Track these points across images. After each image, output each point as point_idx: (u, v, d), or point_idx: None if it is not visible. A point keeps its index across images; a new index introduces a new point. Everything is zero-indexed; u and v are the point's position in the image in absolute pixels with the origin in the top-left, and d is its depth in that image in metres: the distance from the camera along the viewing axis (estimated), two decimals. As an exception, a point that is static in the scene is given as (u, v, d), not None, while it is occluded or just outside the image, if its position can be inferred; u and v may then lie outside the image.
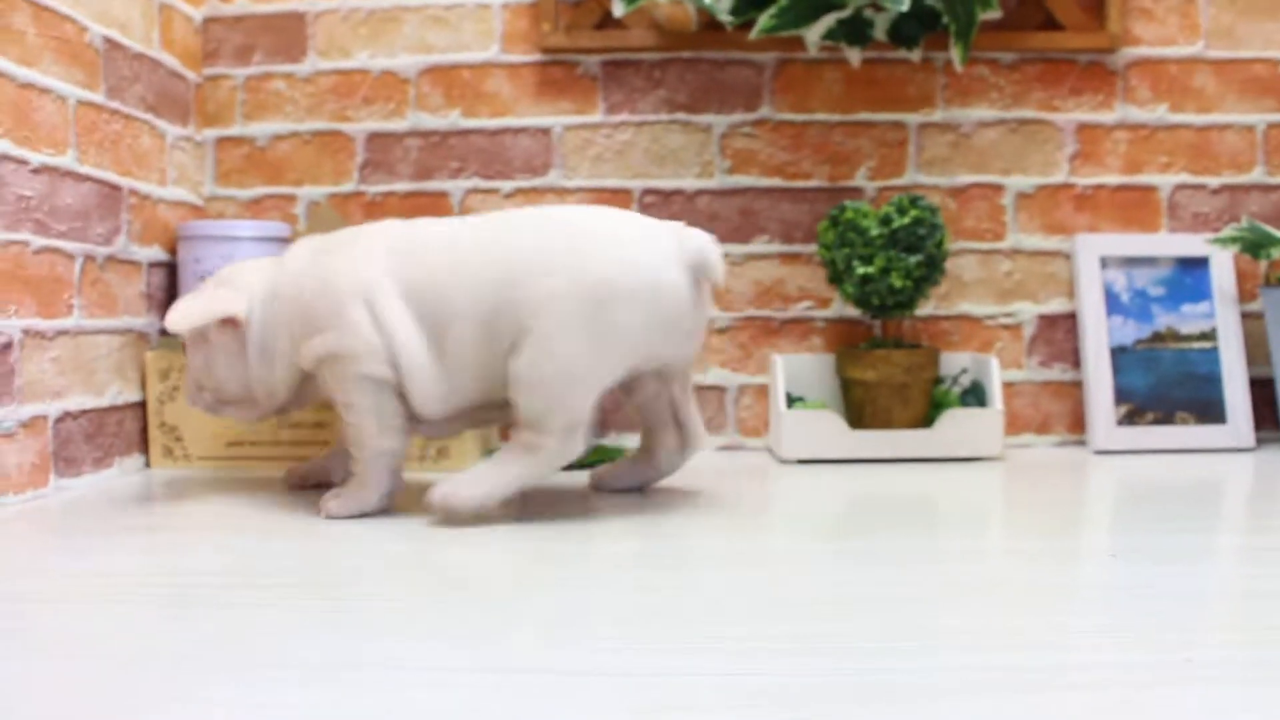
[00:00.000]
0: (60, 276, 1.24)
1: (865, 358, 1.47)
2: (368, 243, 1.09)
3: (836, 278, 1.48)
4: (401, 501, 1.15)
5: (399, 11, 1.60)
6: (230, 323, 1.11)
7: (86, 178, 1.30)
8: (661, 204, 1.58)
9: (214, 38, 1.62)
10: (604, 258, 1.02)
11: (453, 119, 1.59)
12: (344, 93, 1.61)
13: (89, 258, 1.30)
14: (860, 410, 1.49)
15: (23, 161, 1.18)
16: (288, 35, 1.61)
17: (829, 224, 1.48)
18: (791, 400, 1.55)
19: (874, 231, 1.44)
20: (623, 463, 1.23)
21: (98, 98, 1.33)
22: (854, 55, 1.53)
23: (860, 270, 1.44)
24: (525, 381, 1.02)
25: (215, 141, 1.62)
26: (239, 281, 1.13)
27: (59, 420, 1.23)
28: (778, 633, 0.66)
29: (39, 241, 1.21)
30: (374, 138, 1.60)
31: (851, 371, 1.48)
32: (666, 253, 1.05)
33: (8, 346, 1.15)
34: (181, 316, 1.09)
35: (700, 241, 1.07)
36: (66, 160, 1.26)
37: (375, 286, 1.06)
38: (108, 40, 1.36)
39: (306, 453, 1.40)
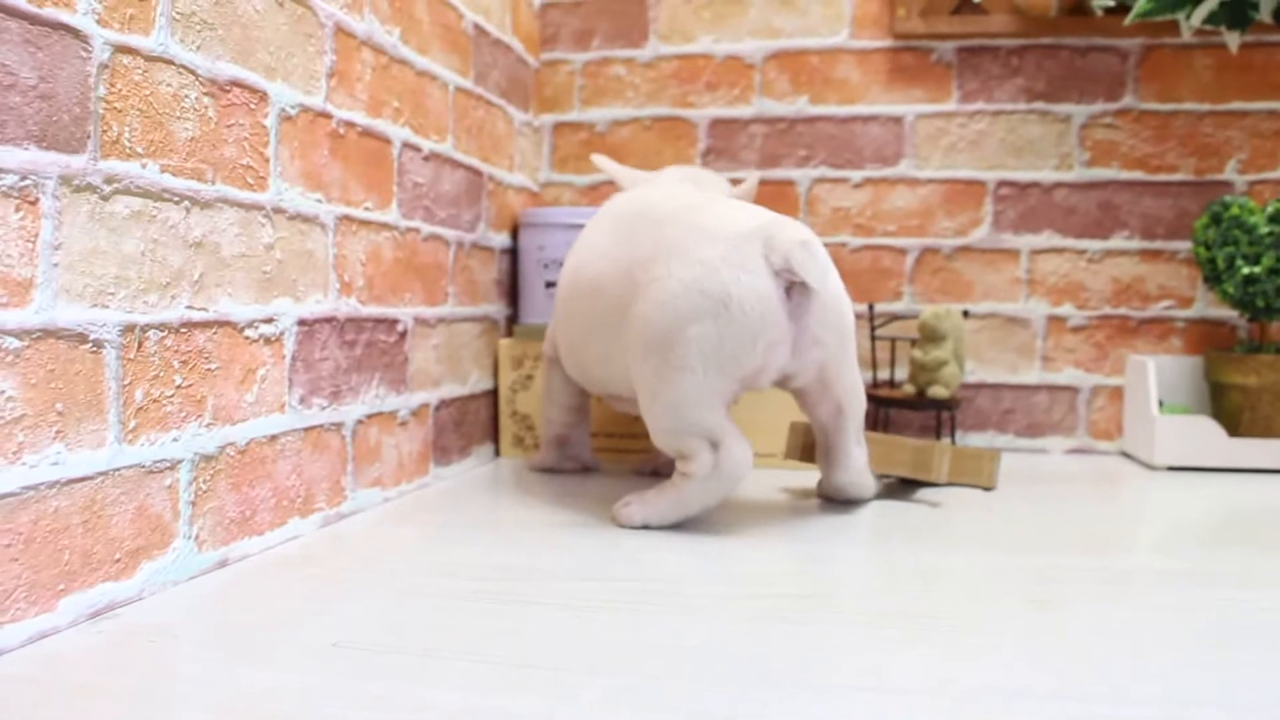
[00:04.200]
0: (441, 264, 1.24)
1: (1246, 362, 1.36)
2: None
3: (1214, 277, 1.38)
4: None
5: (743, -6, 1.56)
6: None
7: (460, 165, 1.30)
8: (1017, 196, 1.50)
9: (552, 22, 1.61)
10: (677, 271, 0.95)
11: (799, 106, 1.54)
12: (686, 78, 1.57)
13: (459, 244, 1.30)
14: (1236, 417, 1.39)
15: (417, 149, 1.18)
16: (628, 19, 1.59)
17: (1209, 220, 1.38)
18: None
19: (1262, 229, 1.34)
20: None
21: (468, 84, 1.32)
22: (1233, 40, 1.41)
23: (1244, 270, 1.34)
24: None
25: (553, 127, 1.61)
26: None
27: (437, 409, 1.24)
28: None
29: (428, 229, 1.21)
30: (717, 124, 1.56)
31: (1228, 376, 1.38)
32: (742, 260, 0.94)
33: (403, 335, 1.15)
34: None
35: (787, 243, 0.93)
36: (446, 147, 1.26)
37: None
38: (476, 27, 1.35)
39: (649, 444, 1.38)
